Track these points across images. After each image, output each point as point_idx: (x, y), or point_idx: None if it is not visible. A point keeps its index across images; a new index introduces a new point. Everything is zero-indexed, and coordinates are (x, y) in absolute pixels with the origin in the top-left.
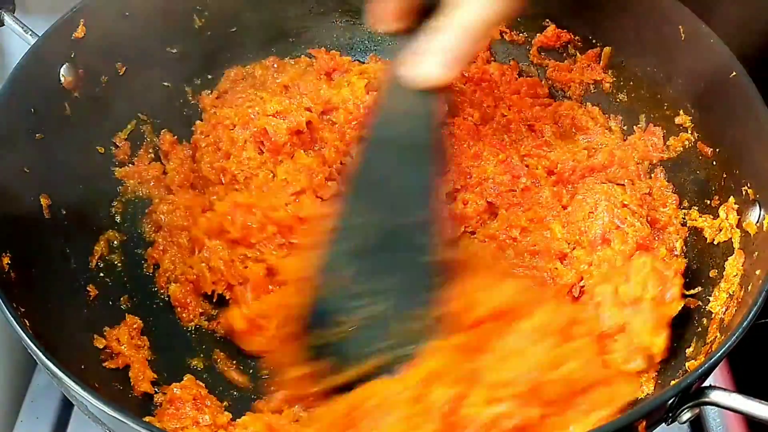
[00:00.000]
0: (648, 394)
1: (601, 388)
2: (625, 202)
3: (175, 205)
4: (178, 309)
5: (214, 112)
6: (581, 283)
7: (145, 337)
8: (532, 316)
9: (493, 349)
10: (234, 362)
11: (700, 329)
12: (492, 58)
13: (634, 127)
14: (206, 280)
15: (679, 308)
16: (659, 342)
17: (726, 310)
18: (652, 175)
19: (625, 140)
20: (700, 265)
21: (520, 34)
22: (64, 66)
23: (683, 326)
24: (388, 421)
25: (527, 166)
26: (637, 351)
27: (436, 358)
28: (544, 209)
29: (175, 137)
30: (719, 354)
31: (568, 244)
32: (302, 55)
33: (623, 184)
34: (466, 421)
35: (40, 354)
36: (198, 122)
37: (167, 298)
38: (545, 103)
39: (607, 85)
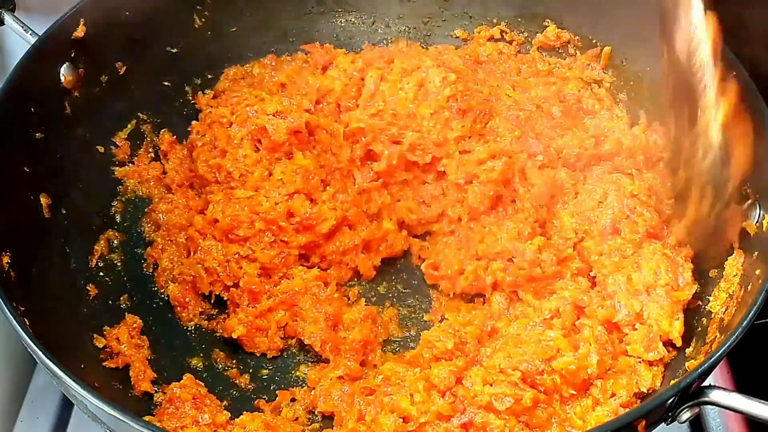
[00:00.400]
0: (651, 389)
1: (605, 381)
2: (634, 192)
3: (175, 204)
4: (178, 308)
5: (210, 111)
6: (592, 273)
7: (144, 337)
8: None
9: (498, 335)
10: (233, 362)
11: (699, 329)
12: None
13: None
14: (203, 281)
15: (693, 292)
16: (677, 326)
17: (726, 309)
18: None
19: (631, 128)
20: (699, 265)
21: (520, 34)
22: (64, 66)
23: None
24: (397, 397)
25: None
26: (656, 339)
27: (442, 339)
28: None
29: (175, 137)
30: (719, 354)
31: (577, 233)
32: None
33: (631, 174)
34: (465, 402)
35: (40, 353)
36: (194, 122)
37: (167, 298)
38: (549, 82)
39: (607, 85)
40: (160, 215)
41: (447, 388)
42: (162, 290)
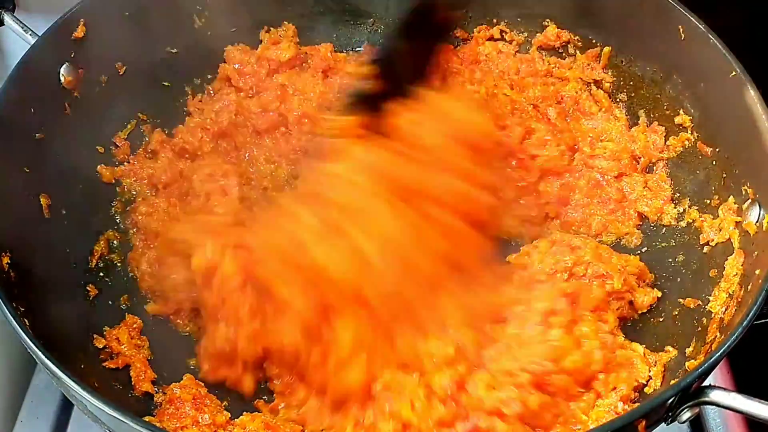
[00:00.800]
0: (655, 389)
1: (606, 375)
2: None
3: (156, 207)
4: (171, 317)
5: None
6: None
7: (144, 337)
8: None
9: (499, 337)
10: None
11: (699, 329)
12: (490, 38)
13: (637, 122)
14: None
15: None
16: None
17: (726, 309)
18: (654, 168)
19: (630, 129)
20: (699, 265)
21: (520, 34)
22: (64, 66)
23: (683, 326)
24: (397, 405)
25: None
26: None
27: (443, 346)
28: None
29: (166, 134)
30: (719, 353)
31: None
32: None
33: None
34: (469, 408)
35: (40, 354)
36: (180, 126)
37: None
38: (547, 82)
39: (607, 85)
40: (140, 217)
41: (449, 396)
42: (147, 295)
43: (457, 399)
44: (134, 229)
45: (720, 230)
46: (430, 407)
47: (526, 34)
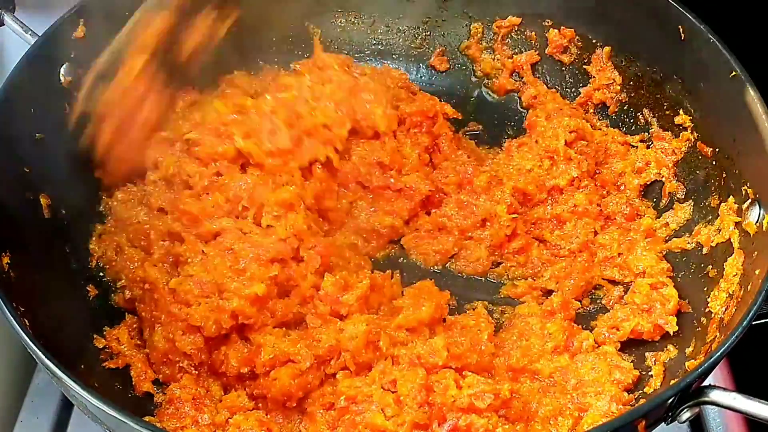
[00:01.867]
0: (655, 389)
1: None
2: None
3: (132, 195)
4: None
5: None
6: None
7: (144, 337)
8: None
9: None
10: None
11: (699, 329)
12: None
13: (646, 134)
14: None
15: None
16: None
17: (726, 309)
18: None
19: (648, 147)
20: (699, 265)
21: (521, 35)
22: (64, 66)
23: (683, 326)
24: (370, 415)
25: None
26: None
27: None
28: None
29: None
30: (719, 353)
31: None
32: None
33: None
34: (444, 408)
35: (40, 354)
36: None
37: None
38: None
39: (618, 87)
40: (115, 203)
41: (419, 403)
42: (112, 285)
43: (431, 402)
44: (108, 215)
45: (720, 230)
46: (403, 412)
47: (526, 34)
